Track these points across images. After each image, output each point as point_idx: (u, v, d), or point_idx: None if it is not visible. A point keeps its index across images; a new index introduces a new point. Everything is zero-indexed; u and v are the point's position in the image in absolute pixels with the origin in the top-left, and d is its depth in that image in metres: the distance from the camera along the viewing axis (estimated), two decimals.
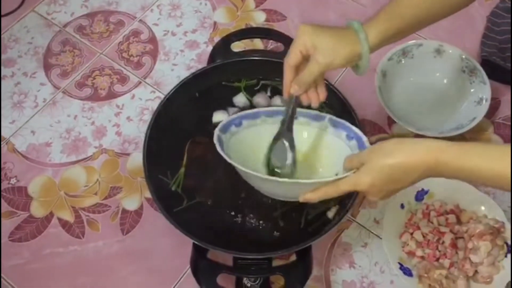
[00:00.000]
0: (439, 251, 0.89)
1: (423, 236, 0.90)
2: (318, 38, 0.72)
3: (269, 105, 0.99)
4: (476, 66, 1.04)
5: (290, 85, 0.75)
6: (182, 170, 0.93)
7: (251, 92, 1.01)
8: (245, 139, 0.84)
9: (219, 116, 0.98)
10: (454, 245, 0.88)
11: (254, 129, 0.85)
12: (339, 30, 0.74)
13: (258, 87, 1.02)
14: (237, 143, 0.82)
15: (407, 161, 0.64)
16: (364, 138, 0.81)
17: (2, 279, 0.94)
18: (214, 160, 0.93)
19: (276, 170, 0.79)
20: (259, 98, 1.00)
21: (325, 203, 0.88)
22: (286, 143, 0.78)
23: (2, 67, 1.18)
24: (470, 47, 1.07)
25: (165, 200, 0.86)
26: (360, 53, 0.73)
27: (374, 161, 0.66)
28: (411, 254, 0.90)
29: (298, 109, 0.79)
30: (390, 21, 0.73)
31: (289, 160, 0.78)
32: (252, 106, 0.99)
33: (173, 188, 0.91)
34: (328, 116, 0.86)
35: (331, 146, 0.86)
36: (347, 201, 0.86)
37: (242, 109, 0.98)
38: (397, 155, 0.65)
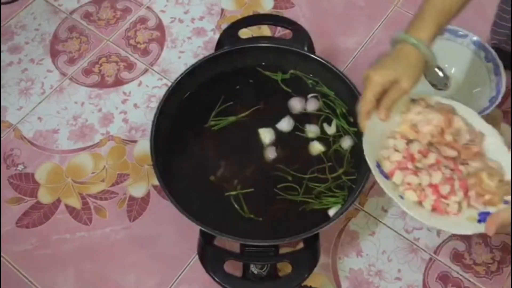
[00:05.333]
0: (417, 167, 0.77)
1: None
2: (390, 71, 0.73)
3: (304, 109, 0.96)
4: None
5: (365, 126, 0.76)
6: (190, 157, 0.93)
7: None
8: None
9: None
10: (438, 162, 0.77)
11: None
12: (397, 51, 0.75)
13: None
14: None
15: None
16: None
17: (10, 265, 0.94)
18: (221, 147, 0.94)
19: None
20: (295, 101, 0.97)
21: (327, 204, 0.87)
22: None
23: (8, 54, 1.18)
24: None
25: (172, 187, 0.86)
26: (424, 60, 0.75)
27: None
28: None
29: None
30: (435, 21, 0.75)
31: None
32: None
33: (180, 176, 0.91)
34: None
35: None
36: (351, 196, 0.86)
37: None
38: None
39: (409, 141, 0.77)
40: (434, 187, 0.73)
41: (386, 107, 0.75)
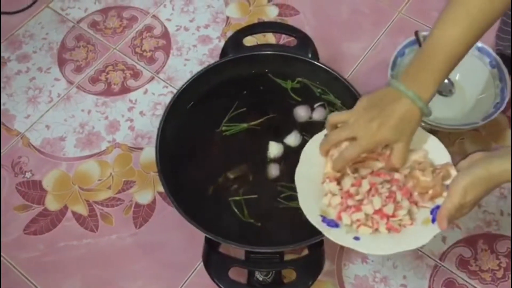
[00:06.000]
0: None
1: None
2: (387, 134, 0.70)
3: (310, 117, 0.96)
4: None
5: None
6: (195, 164, 0.94)
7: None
8: None
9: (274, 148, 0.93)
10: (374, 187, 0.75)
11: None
12: (397, 109, 0.71)
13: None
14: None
15: None
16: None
17: (17, 272, 0.95)
18: (226, 155, 0.94)
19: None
20: (300, 110, 0.97)
21: None
22: None
23: (17, 63, 1.19)
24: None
25: (178, 194, 0.87)
26: (421, 112, 0.71)
27: None
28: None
29: None
30: (436, 73, 0.71)
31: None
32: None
33: (185, 183, 0.92)
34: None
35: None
36: None
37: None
38: None
39: (340, 178, 0.76)
40: (379, 211, 0.72)
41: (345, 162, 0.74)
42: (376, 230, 0.72)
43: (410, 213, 0.73)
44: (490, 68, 1.04)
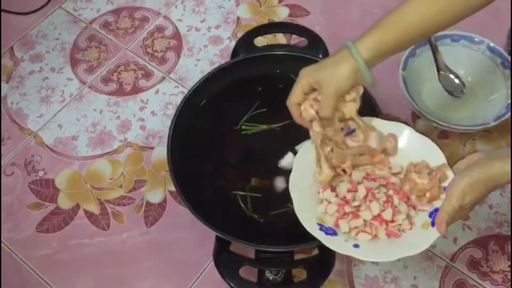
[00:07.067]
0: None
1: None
2: (318, 73, 0.73)
3: None
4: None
5: (300, 119, 0.77)
6: (206, 163, 0.94)
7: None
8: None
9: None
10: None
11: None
12: (336, 56, 0.73)
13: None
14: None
15: None
16: None
17: (30, 270, 0.96)
18: (237, 155, 0.95)
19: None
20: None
21: None
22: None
23: (30, 63, 1.21)
24: (497, 41, 1.05)
25: (189, 193, 0.87)
26: (358, 68, 0.72)
27: None
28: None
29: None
30: (383, 33, 0.72)
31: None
32: None
33: (196, 182, 0.92)
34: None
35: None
36: None
37: None
38: None
39: (333, 183, 0.75)
40: (378, 217, 0.71)
41: (322, 117, 0.75)
42: (376, 236, 0.71)
43: (408, 217, 0.72)
44: (502, 68, 1.03)
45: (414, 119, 1.07)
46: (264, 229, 0.87)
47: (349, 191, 0.74)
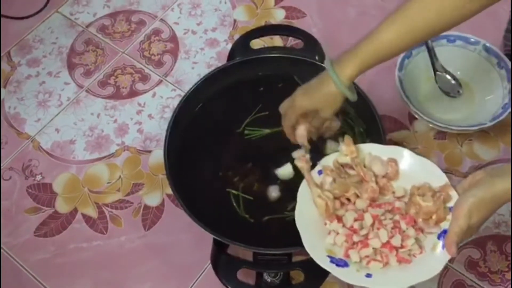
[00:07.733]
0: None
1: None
2: (312, 101, 0.79)
3: None
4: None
5: (295, 139, 0.85)
6: (203, 166, 0.94)
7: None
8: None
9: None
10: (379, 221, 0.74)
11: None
12: (321, 79, 0.79)
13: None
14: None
15: None
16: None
17: (28, 274, 0.96)
18: (234, 158, 0.95)
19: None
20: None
21: None
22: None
23: (27, 67, 1.21)
24: (493, 41, 1.05)
25: (186, 196, 0.87)
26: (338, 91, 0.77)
27: None
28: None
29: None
30: (363, 57, 0.75)
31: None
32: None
33: (194, 185, 0.92)
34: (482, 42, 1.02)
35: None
36: None
37: None
38: None
39: (341, 216, 0.75)
40: (387, 244, 0.71)
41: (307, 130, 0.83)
42: (387, 263, 0.71)
43: (417, 241, 0.72)
44: (498, 69, 1.03)
45: (411, 120, 1.07)
46: (260, 232, 0.87)
47: (355, 220, 0.74)
